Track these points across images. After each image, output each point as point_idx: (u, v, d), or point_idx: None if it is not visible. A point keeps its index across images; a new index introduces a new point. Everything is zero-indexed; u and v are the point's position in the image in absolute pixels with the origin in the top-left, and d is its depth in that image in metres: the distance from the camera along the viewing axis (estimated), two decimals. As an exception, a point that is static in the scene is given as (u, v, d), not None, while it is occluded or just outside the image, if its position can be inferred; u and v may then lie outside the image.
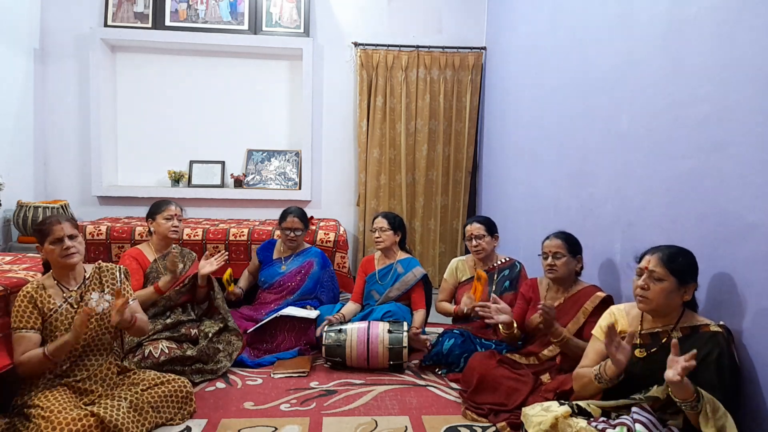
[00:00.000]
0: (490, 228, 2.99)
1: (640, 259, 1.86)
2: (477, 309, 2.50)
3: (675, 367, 1.51)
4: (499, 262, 3.02)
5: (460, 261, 3.14)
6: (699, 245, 1.90)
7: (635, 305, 1.95)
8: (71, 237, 2.07)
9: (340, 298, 3.57)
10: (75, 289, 2.12)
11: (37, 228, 2.08)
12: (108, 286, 2.18)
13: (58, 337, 2.00)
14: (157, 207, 2.90)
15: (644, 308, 1.81)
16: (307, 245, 3.49)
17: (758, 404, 1.67)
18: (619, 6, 2.51)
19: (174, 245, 2.97)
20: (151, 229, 2.89)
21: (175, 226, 2.86)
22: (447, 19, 4.65)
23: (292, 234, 3.28)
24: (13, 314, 2.01)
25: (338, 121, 4.67)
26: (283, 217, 3.31)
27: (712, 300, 1.88)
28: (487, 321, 2.48)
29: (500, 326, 2.46)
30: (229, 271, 3.10)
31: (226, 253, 2.90)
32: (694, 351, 1.53)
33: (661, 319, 1.82)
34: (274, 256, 3.40)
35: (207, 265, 2.80)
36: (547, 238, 2.48)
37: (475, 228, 2.96)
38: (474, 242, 2.95)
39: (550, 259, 2.41)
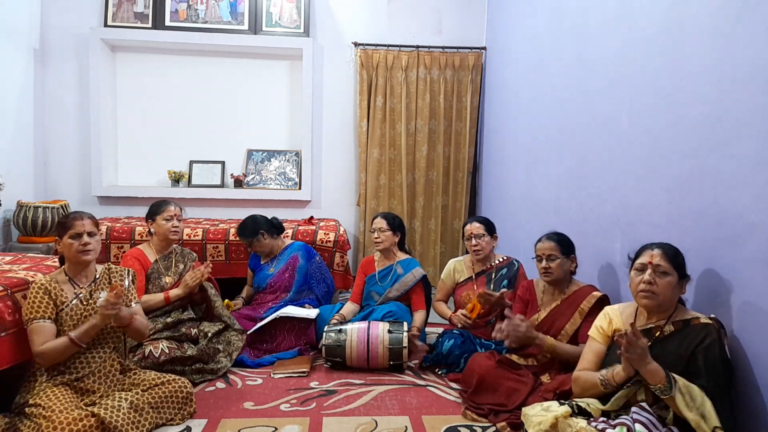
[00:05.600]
0: (490, 228, 2.98)
1: (636, 256, 1.87)
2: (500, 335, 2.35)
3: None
4: (496, 261, 3.02)
5: (458, 262, 3.13)
6: (699, 245, 1.90)
7: (629, 305, 1.97)
8: (90, 234, 2.15)
9: (340, 298, 3.57)
10: (86, 286, 2.17)
11: (60, 221, 2.17)
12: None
13: (66, 331, 2.04)
14: (156, 207, 2.88)
15: (650, 304, 1.79)
16: (288, 242, 3.48)
17: (753, 401, 1.68)
18: (619, 6, 2.51)
19: (174, 246, 2.96)
20: (151, 229, 2.89)
21: (175, 227, 2.85)
22: (447, 19, 4.65)
23: (251, 249, 3.39)
24: (27, 306, 2.04)
25: (338, 121, 4.67)
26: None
27: (711, 299, 1.88)
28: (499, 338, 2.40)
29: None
30: (226, 302, 3.17)
31: (210, 264, 2.85)
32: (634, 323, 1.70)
33: (655, 315, 1.84)
34: (262, 261, 3.41)
35: (191, 280, 2.74)
36: (539, 240, 2.47)
37: (475, 227, 2.95)
38: (473, 241, 2.94)
39: (544, 262, 2.40)
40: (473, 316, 2.75)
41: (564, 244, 2.42)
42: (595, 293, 2.35)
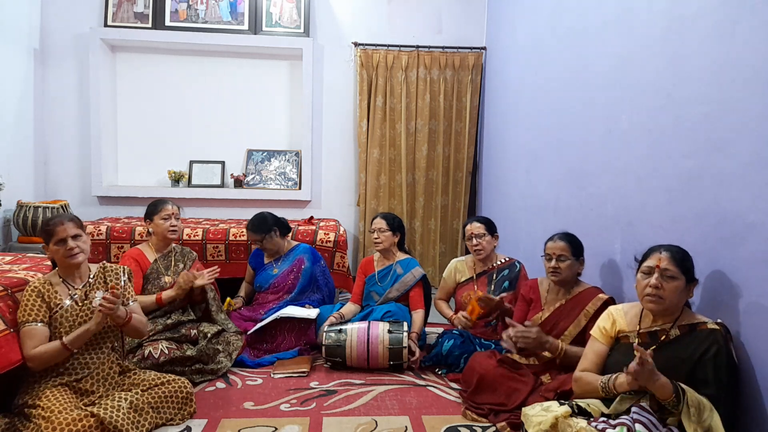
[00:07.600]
0: (490, 227, 2.98)
1: (643, 258, 1.85)
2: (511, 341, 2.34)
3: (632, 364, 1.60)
4: (498, 262, 3.02)
5: (459, 262, 3.13)
6: (699, 245, 1.90)
7: (633, 305, 1.95)
8: (75, 237, 2.10)
9: (340, 298, 3.57)
10: (80, 287, 2.16)
11: (43, 228, 2.13)
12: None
13: (62, 333, 2.03)
14: (154, 207, 2.87)
15: (655, 308, 1.78)
16: (294, 243, 3.48)
17: (756, 403, 1.68)
18: (619, 5, 2.51)
19: (174, 245, 2.96)
20: (150, 229, 2.88)
21: (173, 226, 2.84)
22: (447, 19, 4.65)
23: (258, 245, 3.36)
24: (20, 309, 2.03)
25: (338, 121, 4.67)
26: None
27: (711, 300, 1.88)
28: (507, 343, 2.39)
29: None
30: (228, 300, 3.18)
31: (218, 269, 2.86)
32: (650, 352, 1.61)
33: (661, 318, 1.82)
34: (265, 261, 3.40)
35: (199, 279, 2.76)
36: (551, 239, 2.43)
37: (475, 227, 2.95)
38: (474, 241, 2.94)
39: (554, 261, 2.36)
40: (473, 318, 2.75)
41: (575, 246, 2.39)
42: (601, 296, 2.32)
